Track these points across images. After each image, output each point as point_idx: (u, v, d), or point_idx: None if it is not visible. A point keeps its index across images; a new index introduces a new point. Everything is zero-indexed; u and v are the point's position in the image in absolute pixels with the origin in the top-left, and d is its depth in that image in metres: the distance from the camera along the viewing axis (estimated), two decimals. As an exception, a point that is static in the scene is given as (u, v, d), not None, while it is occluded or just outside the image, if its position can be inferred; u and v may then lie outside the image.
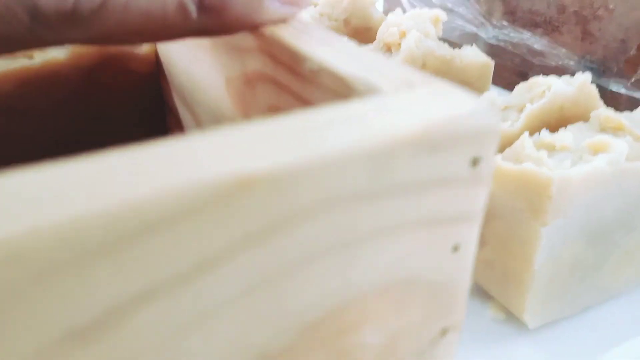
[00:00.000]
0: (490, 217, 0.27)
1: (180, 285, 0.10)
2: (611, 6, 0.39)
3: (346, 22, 0.43)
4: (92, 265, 0.09)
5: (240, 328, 0.12)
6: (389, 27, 0.36)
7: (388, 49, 0.37)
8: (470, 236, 0.14)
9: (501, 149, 0.28)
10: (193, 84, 0.27)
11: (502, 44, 0.48)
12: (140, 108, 0.32)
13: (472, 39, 0.51)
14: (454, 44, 0.54)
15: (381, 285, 0.14)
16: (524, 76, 0.47)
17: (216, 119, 0.25)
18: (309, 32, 0.18)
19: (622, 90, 0.39)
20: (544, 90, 0.29)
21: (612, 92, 0.40)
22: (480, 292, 0.31)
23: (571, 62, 0.42)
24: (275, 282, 0.12)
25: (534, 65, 0.46)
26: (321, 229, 0.11)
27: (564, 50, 0.42)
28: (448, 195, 0.13)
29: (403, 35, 0.36)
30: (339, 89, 0.15)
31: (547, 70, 0.45)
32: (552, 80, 0.30)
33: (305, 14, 0.42)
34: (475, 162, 0.13)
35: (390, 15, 0.37)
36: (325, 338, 0.13)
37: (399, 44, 0.36)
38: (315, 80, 0.17)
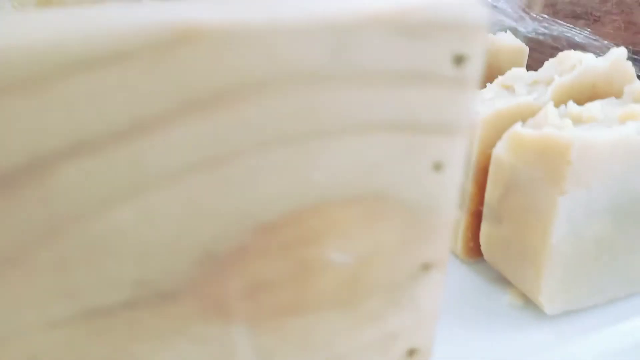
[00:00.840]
0: (508, 190, 0.25)
1: (110, 143, 0.10)
2: (659, -7, 0.36)
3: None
4: (13, 103, 0.09)
5: (180, 215, 0.11)
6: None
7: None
8: (454, 155, 0.13)
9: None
10: None
11: (541, 37, 0.46)
12: None
13: (512, 33, 0.50)
14: (492, 40, 0.53)
15: (347, 193, 0.12)
16: (563, 71, 0.45)
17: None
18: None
19: (668, 83, 0.37)
20: (574, 65, 0.28)
21: (657, 85, 0.38)
22: (499, 279, 0.29)
23: (614, 54, 0.40)
24: (219, 165, 0.11)
25: (575, 59, 0.44)
26: (274, 108, 0.11)
27: (605, 42, 0.40)
28: (427, 96, 0.12)
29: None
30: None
31: (588, 64, 0.43)
32: (583, 54, 0.28)
33: None
34: (459, 59, 0.12)
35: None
36: (284, 244, 0.12)
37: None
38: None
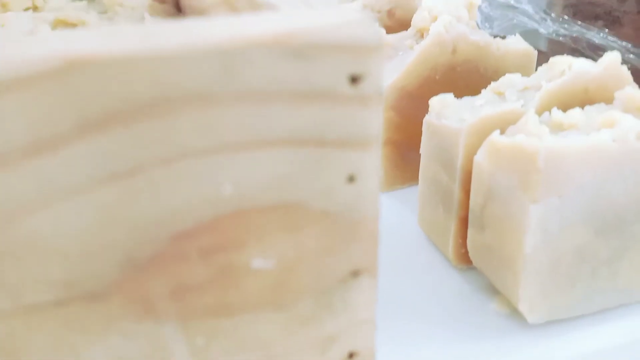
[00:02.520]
0: (488, 199, 0.25)
1: (14, 160, 0.11)
2: (676, -8, 0.35)
3: (390, 13, 0.43)
4: None
5: (93, 224, 0.12)
6: (421, 12, 0.36)
7: (421, 35, 0.36)
8: (367, 166, 0.14)
9: (506, 127, 0.26)
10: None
11: (562, 39, 0.45)
12: None
13: (533, 35, 0.49)
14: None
15: (261, 203, 0.13)
16: (583, 73, 0.44)
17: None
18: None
19: (687, 85, 0.35)
20: (563, 70, 0.27)
21: (675, 87, 0.36)
22: (489, 285, 0.29)
23: (632, 56, 0.39)
24: (125, 179, 0.12)
25: (594, 60, 0.43)
26: (169, 125, 0.12)
27: (624, 43, 0.39)
28: (328, 114, 0.13)
29: (434, 19, 0.35)
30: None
31: (607, 66, 0.41)
32: (574, 59, 0.27)
33: (349, 7, 0.42)
34: (354, 79, 0.13)
35: (425, 1, 0.36)
36: (203, 251, 0.14)
37: (429, 29, 0.35)
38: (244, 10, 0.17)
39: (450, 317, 0.28)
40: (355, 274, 0.15)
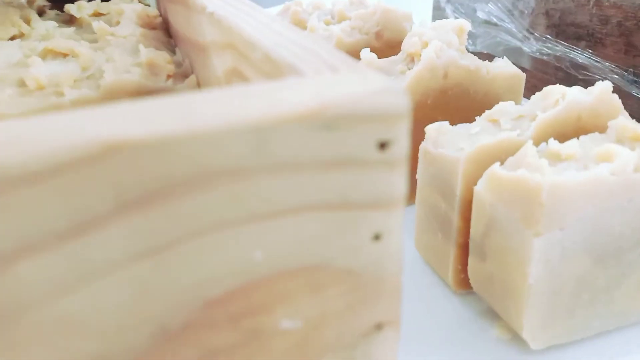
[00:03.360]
0: (489, 229, 0.26)
1: (53, 243, 0.11)
2: (656, 16, 0.36)
3: (378, 35, 0.43)
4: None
5: (129, 298, 0.12)
6: (411, 37, 0.36)
7: (411, 60, 0.37)
8: (391, 224, 0.14)
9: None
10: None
11: (545, 57, 0.46)
12: None
13: (517, 52, 0.50)
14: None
15: (289, 267, 0.13)
16: (567, 91, 0.45)
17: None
18: (270, 25, 0.19)
19: (669, 105, 0.37)
20: (557, 100, 0.28)
21: (658, 107, 0.38)
22: (489, 311, 0.30)
23: (615, 76, 0.40)
24: (161, 253, 0.12)
25: (577, 79, 0.44)
26: (203, 201, 0.12)
27: (607, 63, 0.40)
28: (355, 179, 0.13)
29: (425, 45, 0.35)
30: (274, 76, 0.16)
31: (590, 85, 0.43)
32: (568, 88, 0.28)
33: (337, 28, 0.43)
34: (383, 145, 0.13)
35: (414, 26, 0.37)
36: (233, 316, 0.14)
37: (421, 54, 0.35)
38: (262, 68, 0.17)
39: (452, 343, 0.28)
40: (378, 327, 0.16)
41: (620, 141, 0.26)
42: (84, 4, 0.38)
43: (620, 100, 0.29)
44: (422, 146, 0.30)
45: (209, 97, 0.12)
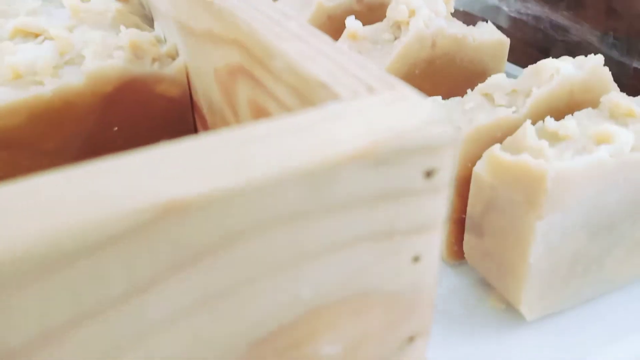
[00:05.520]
0: (489, 207, 0.26)
1: (113, 308, 0.10)
2: (638, -21, 0.36)
3: (358, -2, 0.42)
4: (17, 294, 0.09)
5: (182, 348, 0.12)
6: (398, 5, 0.35)
7: (397, 27, 0.36)
8: (431, 245, 0.14)
9: (502, 141, 0.27)
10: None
11: (524, 17, 0.46)
12: (170, 136, 0.28)
13: (494, 11, 0.49)
14: (474, 17, 0.52)
15: (335, 299, 0.13)
16: (546, 52, 0.45)
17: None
18: (284, 24, 0.18)
19: (647, 69, 0.37)
20: (552, 74, 0.28)
21: (635, 69, 0.38)
22: (482, 281, 0.31)
23: (594, 39, 0.40)
24: (216, 302, 0.12)
25: (556, 40, 0.44)
26: (260, 249, 0.11)
27: (587, 25, 0.40)
28: (402, 209, 0.13)
29: (412, 13, 0.35)
30: (301, 90, 0.15)
31: (570, 46, 0.43)
32: (561, 63, 0.28)
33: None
34: (429, 173, 0.13)
35: (399, -8, 0.36)
36: (279, 350, 0.13)
37: (408, 22, 0.34)
38: (282, 78, 0.16)
39: (449, 313, 0.29)
40: (411, 339, 0.16)
41: (613, 117, 0.27)
42: (46, -29, 0.35)
43: (610, 73, 0.29)
44: (416, 122, 0.30)
45: (257, 137, 0.11)
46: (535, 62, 0.48)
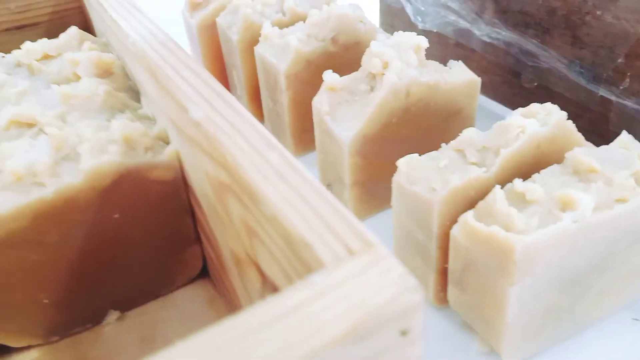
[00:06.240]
0: (467, 267, 0.28)
1: None
2: (598, 12, 0.38)
3: (334, 40, 0.43)
4: None
5: None
6: (372, 58, 0.37)
7: (373, 78, 0.37)
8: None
9: (475, 200, 0.29)
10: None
11: (495, 42, 0.48)
12: (167, 215, 0.31)
13: (466, 34, 0.51)
14: (447, 39, 0.54)
15: None
16: (517, 76, 0.47)
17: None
18: (267, 155, 0.20)
19: (613, 97, 0.39)
20: (517, 133, 0.30)
21: (602, 97, 0.40)
22: (467, 324, 0.33)
23: (562, 66, 0.42)
24: None
25: (527, 65, 0.46)
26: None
27: (554, 53, 0.42)
28: (381, 360, 0.15)
29: (386, 65, 0.36)
30: (286, 238, 0.17)
31: (539, 72, 0.45)
32: (526, 121, 0.30)
33: (293, 37, 0.42)
34: (404, 332, 0.15)
35: (373, 44, 0.37)
36: None
37: (382, 74, 0.36)
38: (269, 222, 0.18)
39: (439, 356, 0.31)
40: None
41: (577, 173, 0.29)
42: (32, 47, 0.36)
43: (574, 126, 0.31)
44: (395, 180, 0.32)
45: (251, 328, 0.13)
46: (509, 84, 0.49)
